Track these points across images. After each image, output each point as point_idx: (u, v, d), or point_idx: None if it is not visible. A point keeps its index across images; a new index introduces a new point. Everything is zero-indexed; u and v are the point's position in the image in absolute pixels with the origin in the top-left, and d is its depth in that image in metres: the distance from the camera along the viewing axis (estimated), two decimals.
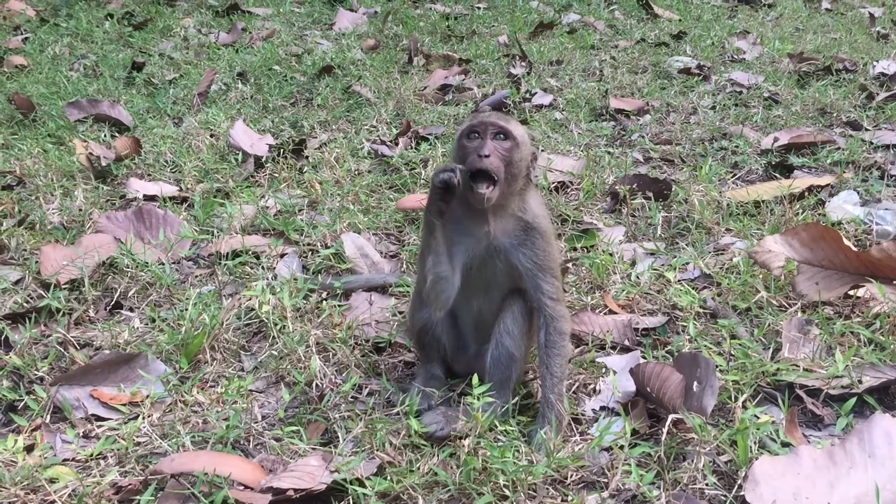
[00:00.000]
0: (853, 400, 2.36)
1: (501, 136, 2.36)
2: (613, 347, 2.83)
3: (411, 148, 4.74)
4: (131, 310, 3.18)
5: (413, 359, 2.82)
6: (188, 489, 2.13)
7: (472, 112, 2.43)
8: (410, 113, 5.34)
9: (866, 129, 4.73)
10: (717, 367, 2.56)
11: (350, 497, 2.11)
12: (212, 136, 4.97)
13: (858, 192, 3.84)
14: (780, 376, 2.52)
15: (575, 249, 3.53)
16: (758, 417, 2.33)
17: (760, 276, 3.09)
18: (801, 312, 2.89)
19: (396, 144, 4.78)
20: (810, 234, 3.00)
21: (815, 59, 6.25)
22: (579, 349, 2.83)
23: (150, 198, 4.11)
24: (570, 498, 2.14)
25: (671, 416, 2.19)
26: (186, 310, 2.95)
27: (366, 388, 2.64)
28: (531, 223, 2.45)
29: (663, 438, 2.16)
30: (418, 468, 2.22)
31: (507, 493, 2.09)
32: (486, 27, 8.00)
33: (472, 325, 2.62)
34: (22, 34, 7.76)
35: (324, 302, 3.06)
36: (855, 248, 2.90)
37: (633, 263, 3.37)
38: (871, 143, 4.50)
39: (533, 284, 2.46)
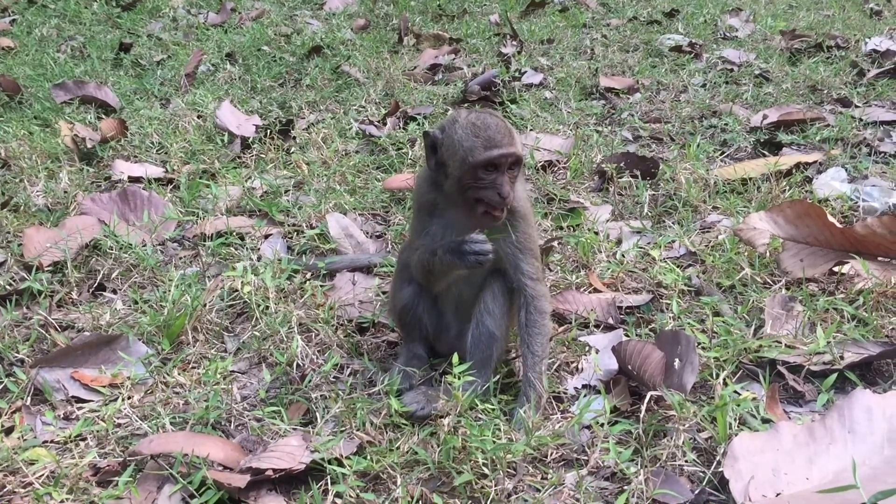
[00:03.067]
0: (834, 376, 2.35)
1: (514, 163, 2.34)
2: (597, 326, 2.82)
3: (399, 128, 4.72)
4: (114, 292, 3.16)
5: (396, 339, 2.81)
6: (166, 470, 2.12)
7: (474, 111, 2.35)
8: (399, 93, 5.30)
9: (856, 106, 4.70)
10: (699, 344, 2.56)
11: (328, 476, 2.11)
12: (199, 117, 4.93)
13: (847, 169, 3.82)
14: (762, 353, 2.51)
15: (561, 228, 3.51)
16: (739, 394, 2.33)
17: (746, 254, 3.08)
18: (785, 289, 2.88)
19: (384, 124, 4.75)
20: (795, 210, 2.99)
21: (808, 36, 6.22)
22: (563, 328, 2.82)
23: (136, 179, 4.08)
24: (549, 476, 2.13)
25: (650, 394, 2.18)
26: (169, 291, 2.94)
27: (347, 368, 2.63)
28: (512, 207, 2.44)
29: (642, 416, 2.16)
30: (398, 447, 2.21)
31: (487, 471, 2.09)
32: (478, 6, 7.95)
33: (453, 305, 2.61)
34: (9, 16, 7.68)
35: (307, 283, 3.04)
36: (839, 225, 2.89)
37: (619, 242, 3.36)
38: (861, 120, 4.48)
39: (513, 265, 2.46)
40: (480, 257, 2.29)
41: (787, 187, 3.58)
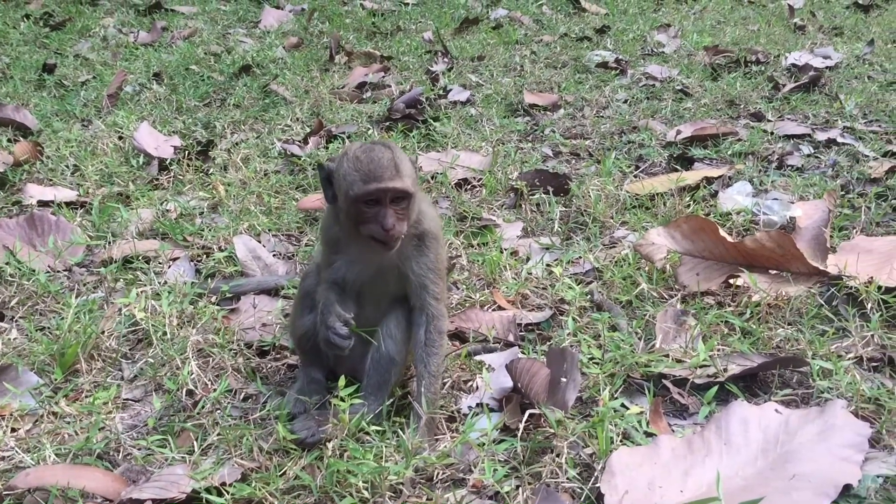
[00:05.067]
0: (715, 388, 2.40)
1: (399, 197, 2.29)
2: (497, 343, 2.84)
3: (322, 147, 4.71)
4: (13, 319, 3.09)
5: (296, 361, 2.80)
6: None
7: (365, 151, 2.35)
8: (325, 112, 5.30)
9: (768, 121, 4.82)
10: (591, 359, 2.60)
11: None
12: (120, 138, 4.87)
13: (753, 183, 3.91)
14: (651, 367, 2.55)
15: (472, 246, 3.54)
16: (627, 408, 2.37)
17: (646, 269, 3.13)
18: (682, 303, 2.94)
19: (307, 144, 4.74)
20: (691, 226, 3.05)
21: (731, 51, 6.36)
22: (466, 345, 2.84)
23: (46, 204, 4.01)
24: (434, 497, 2.13)
25: (528, 412, 2.21)
26: (66, 319, 2.89)
27: (242, 392, 2.61)
28: (424, 230, 2.44)
29: (519, 433, 2.18)
30: (284, 473, 2.20)
31: (367, 495, 2.08)
32: (412, 23, 7.99)
33: (357, 352, 2.57)
34: None
35: (209, 307, 3.01)
36: (731, 239, 2.96)
37: (528, 259, 3.39)
38: (773, 134, 4.59)
39: (420, 284, 2.46)
40: (335, 350, 2.35)
41: (692, 202, 3.66)
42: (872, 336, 2.60)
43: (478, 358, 2.71)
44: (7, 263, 3.34)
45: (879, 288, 2.74)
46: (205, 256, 3.53)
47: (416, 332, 2.49)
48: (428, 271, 2.46)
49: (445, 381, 2.59)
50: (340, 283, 2.47)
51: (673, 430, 2.35)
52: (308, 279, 2.65)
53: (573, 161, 4.54)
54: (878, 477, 2.08)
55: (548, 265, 3.29)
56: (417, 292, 2.48)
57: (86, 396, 2.64)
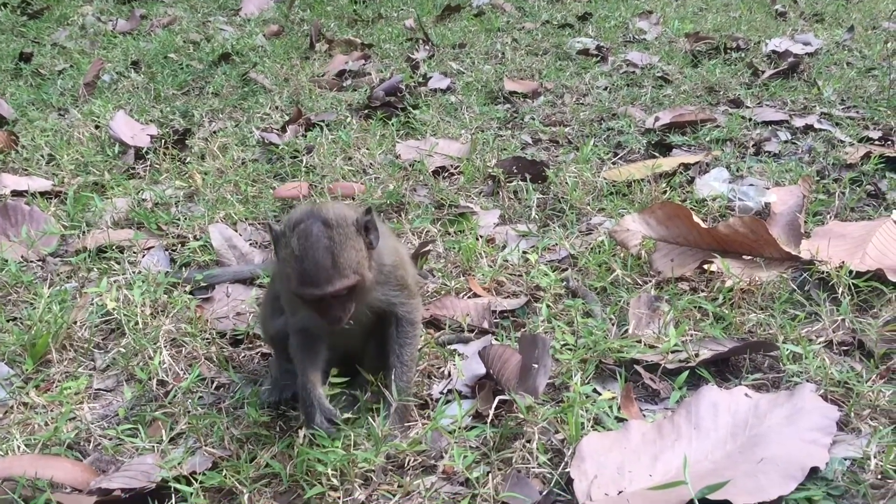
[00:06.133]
0: (686, 373, 2.40)
1: (343, 293, 2.14)
2: (472, 331, 2.84)
3: (301, 135, 4.69)
4: None
5: (269, 350, 2.79)
6: (10, 494, 2.07)
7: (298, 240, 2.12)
8: (305, 100, 5.27)
9: (747, 107, 4.83)
10: (564, 345, 2.60)
11: (175, 494, 2.07)
12: (97, 127, 4.83)
13: (730, 169, 3.92)
14: (623, 353, 2.56)
15: (448, 234, 3.53)
16: (599, 394, 2.38)
17: (621, 255, 3.14)
18: (657, 289, 2.94)
19: (285, 132, 4.72)
20: (665, 212, 3.06)
21: (712, 38, 6.36)
22: (439, 333, 2.84)
23: (21, 193, 3.98)
24: (404, 483, 2.14)
25: (498, 398, 2.21)
26: (38, 309, 2.87)
27: (214, 382, 2.60)
28: (381, 265, 2.35)
29: (489, 419, 2.18)
30: (255, 461, 2.20)
31: (337, 482, 2.08)
32: (394, 11, 7.95)
33: (338, 354, 2.51)
34: None
35: (182, 296, 3.00)
36: (704, 225, 2.97)
37: (505, 246, 3.39)
38: (751, 120, 4.60)
39: (388, 304, 2.41)
40: (326, 428, 2.21)
41: (669, 188, 3.66)
42: (843, 320, 2.62)
43: (451, 345, 2.71)
44: None
45: (850, 272, 2.75)
46: (180, 245, 3.51)
47: (388, 325, 2.47)
48: (391, 294, 2.40)
49: (419, 367, 2.58)
50: (308, 330, 2.36)
51: (644, 415, 2.35)
52: (277, 282, 2.57)
53: (552, 148, 4.54)
54: (845, 459, 2.10)
55: (524, 252, 3.29)
56: (387, 308, 2.42)
57: (57, 387, 2.63)
